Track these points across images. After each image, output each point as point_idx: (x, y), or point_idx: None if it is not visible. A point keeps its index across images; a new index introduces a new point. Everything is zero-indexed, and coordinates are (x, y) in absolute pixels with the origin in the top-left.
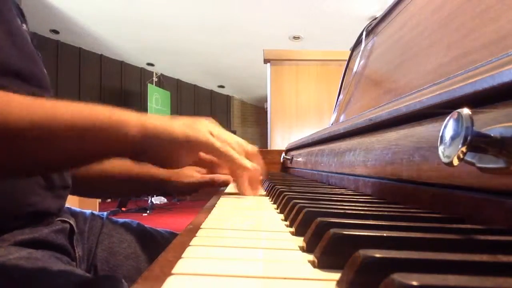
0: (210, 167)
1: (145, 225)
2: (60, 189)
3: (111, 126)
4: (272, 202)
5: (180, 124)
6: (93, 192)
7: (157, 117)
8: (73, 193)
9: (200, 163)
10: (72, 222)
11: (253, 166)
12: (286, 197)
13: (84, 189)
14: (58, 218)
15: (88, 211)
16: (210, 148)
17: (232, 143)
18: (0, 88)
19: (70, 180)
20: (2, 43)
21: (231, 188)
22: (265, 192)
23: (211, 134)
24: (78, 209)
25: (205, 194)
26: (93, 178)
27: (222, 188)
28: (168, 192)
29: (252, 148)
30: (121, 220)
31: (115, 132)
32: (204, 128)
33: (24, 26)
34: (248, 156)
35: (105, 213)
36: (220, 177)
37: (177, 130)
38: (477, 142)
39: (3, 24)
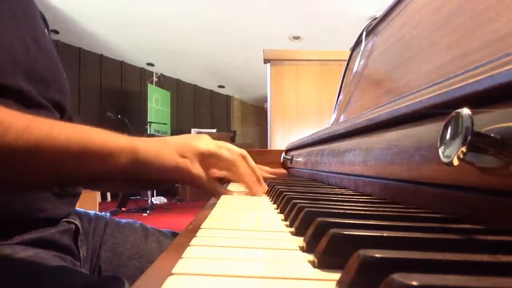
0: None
1: (148, 226)
2: (71, 196)
3: (104, 151)
4: (272, 202)
5: (171, 150)
6: (106, 188)
7: (150, 142)
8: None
9: None
10: (77, 222)
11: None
12: (286, 197)
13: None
14: (64, 220)
15: (92, 212)
16: (199, 183)
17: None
18: (23, 93)
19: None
20: (30, 47)
21: (231, 188)
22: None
23: (204, 157)
24: (82, 209)
25: (205, 193)
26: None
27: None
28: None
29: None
30: (123, 220)
31: (107, 158)
32: (195, 157)
33: (46, 32)
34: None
35: (108, 213)
36: (215, 172)
37: (167, 158)
38: (477, 142)
39: (30, 30)
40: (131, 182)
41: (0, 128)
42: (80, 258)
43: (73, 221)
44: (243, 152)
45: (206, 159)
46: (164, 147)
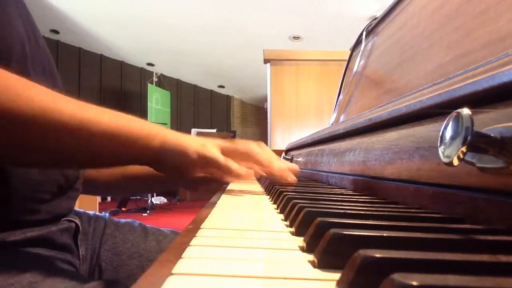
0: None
1: (147, 225)
2: (73, 190)
3: (141, 138)
4: (272, 202)
5: (194, 141)
6: (115, 192)
7: (176, 133)
8: (94, 194)
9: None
10: (77, 221)
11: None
12: (286, 197)
13: (105, 189)
14: (64, 218)
15: (91, 212)
16: (216, 164)
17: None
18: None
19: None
20: (32, 43)
21: (231, 188)
22: (266, 192)
23: (223, 150)
24: (81, 210)
25: (205, 193)
26: (117, 179)
27: (223, 186)
28: (178, 186)
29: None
30: (123, 220)
31: (143, 143)
32: (214, 145)
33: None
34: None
35: (107, 214)
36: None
37: (190, 146)
38: (477, 142)
39: (30, 27)
40: (154, 166)
41: (55, 107)
42: (79, 256)
43: (73, 219)
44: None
45: (225, 150)
46: (188, 138)
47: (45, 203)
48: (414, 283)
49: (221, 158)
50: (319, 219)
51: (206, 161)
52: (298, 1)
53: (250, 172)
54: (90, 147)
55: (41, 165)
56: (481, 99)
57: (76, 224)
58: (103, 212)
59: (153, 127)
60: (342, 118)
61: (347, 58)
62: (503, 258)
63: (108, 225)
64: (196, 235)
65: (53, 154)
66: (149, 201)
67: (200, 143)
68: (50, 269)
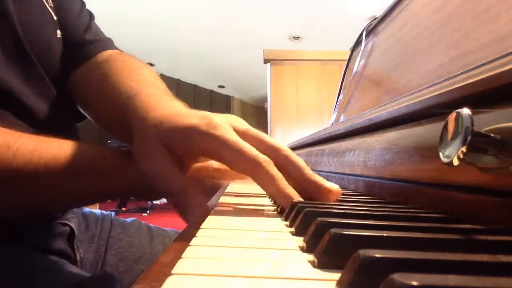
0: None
1: (152, 226)
2: None
3: (111, 170)
4: (272, 202)
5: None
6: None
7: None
8: None
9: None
10: (72, 224)
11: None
12: None
13: None
14: (58, 221)
15: (97, 211)
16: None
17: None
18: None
19: None
20: None
21: (231, 188)
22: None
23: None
24: (88, 209)
25: (205, 193)
26: None
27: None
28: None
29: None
30: (128, 219)
31: (114, 177)
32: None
33: None
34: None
35: (112, 212)
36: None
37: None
38: (477, 142)
39: None
40: (138, 195)
41: (8, 153)
42: (76, 261)
43: (68, 223)
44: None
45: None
46: None
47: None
48: (414, 283)
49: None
50: (319, 219)
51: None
52: (298, 1)
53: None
54: (54, 191)
55: (5, 214)
56: (481, 99)
57: (71, 227)
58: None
59: (125, 158)
60: (342, 118)
61: (347, 58)
62: (503, 258)
63: (114, 226)
64: (196, 235)
65: (13, 206)
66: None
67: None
68: (45, 276)
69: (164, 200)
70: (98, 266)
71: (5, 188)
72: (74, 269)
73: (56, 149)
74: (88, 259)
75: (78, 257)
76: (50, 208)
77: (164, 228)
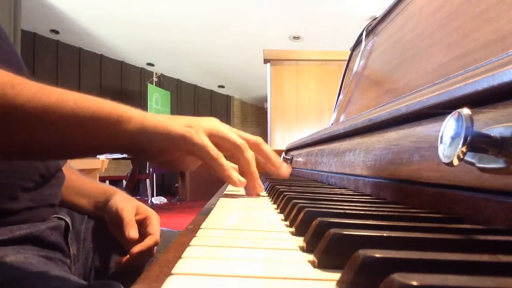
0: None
1: None
2: (55, 178)
3: (112, 118)
4: (272, 202)
5: (179, 122)
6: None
7: (157, 115)
8: None
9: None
10: (68, 220)
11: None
12: (286, 197)
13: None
14: (54, 215)
15: None
16: (206, 156)
17: (232, 139)
18: None
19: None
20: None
21: (231, 188)
22: (266, 192)
23: (210, 133)
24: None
25: (205, 193)
26: None
27: (222, 188)
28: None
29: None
30: None
31: (117, 127)
32: (201, 129)
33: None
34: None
35: None
36: None
37: (173, 127)
38: (477, 142)
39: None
40: (135, 152)
41: (12, 91)
42: (70, 255)
43: (63, 217)
44: (257, 139)
45: (213, 136)
46: (171, 120)
47: (28, 191)
48: (414, 283)
49: (212, 150)
50: (319, 219)
51: (193, 149)
52: (298, 1)
53: (243, 181)
54: (54, 136)
55: (7, 157)
56: (481, 99)
57: (66, 222)
58: None
59: (129, 109)
60: (342, 118)
61: (347, 58)
62: (503, 258)
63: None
64: (196, 235)
65: (14, 146)
66: (149, 201)
67: (187, 124)
68: (40, 268)
69: (164, 200)
70: (87, 264)
71: (6, 125)
72: (72, 277)
73: (57, 94)
74: (73, 253)
75: (71, 252)
76: (51, 153)
77: (163, 228)
